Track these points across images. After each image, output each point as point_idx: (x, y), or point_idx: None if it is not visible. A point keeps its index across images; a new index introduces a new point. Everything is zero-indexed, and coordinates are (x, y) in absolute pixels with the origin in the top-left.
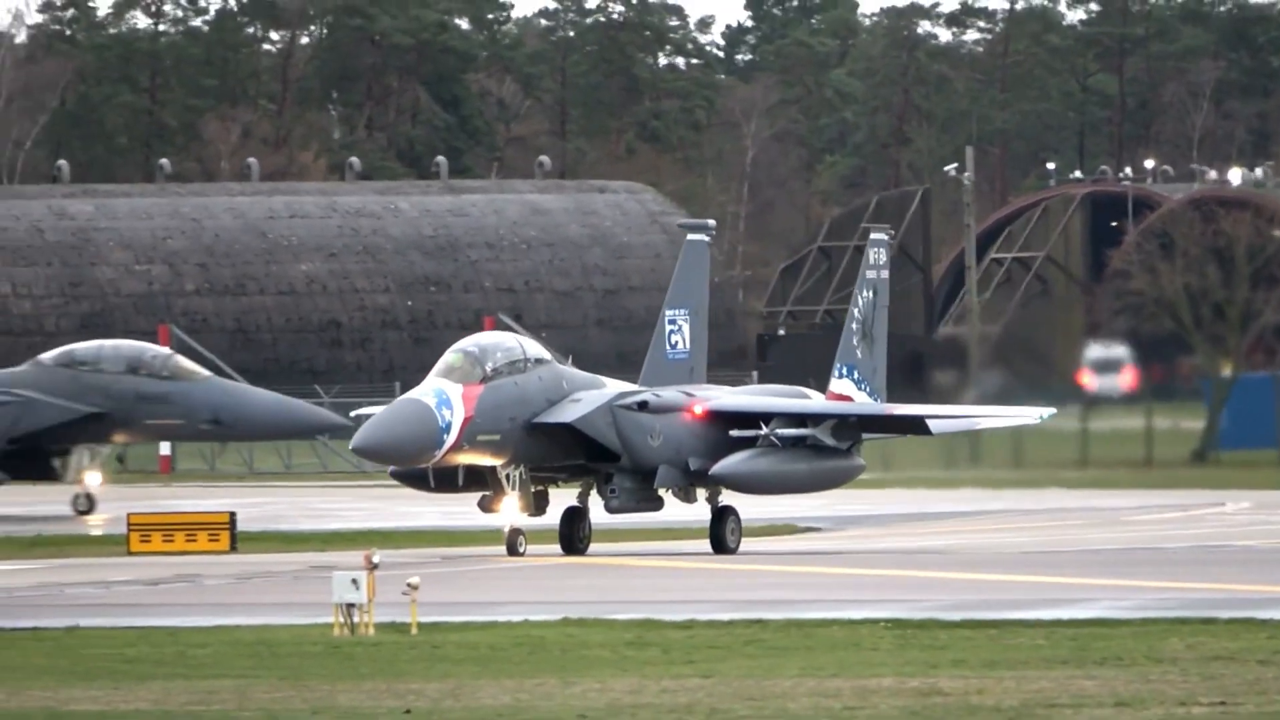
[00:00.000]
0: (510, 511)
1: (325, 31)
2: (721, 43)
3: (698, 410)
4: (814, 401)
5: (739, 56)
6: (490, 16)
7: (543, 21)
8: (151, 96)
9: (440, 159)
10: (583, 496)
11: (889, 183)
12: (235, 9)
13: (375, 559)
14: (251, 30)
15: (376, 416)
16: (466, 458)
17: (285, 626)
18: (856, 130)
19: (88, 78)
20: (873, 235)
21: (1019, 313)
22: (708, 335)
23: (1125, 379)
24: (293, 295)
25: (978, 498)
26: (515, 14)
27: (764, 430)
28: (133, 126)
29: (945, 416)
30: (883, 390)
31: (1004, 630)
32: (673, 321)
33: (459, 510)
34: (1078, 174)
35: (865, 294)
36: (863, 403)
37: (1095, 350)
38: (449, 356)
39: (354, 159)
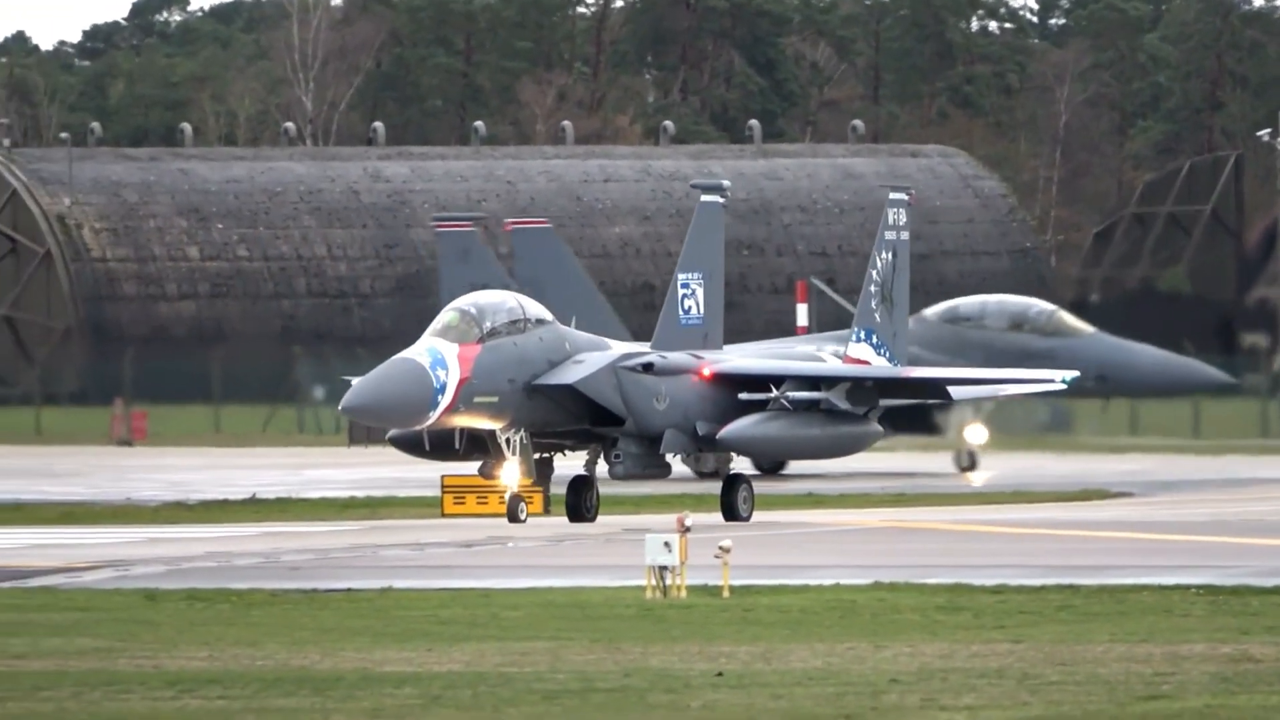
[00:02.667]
0: (512, 477)
1: None
2: (1035, 7)
3: (706, 373)
4: (828, 364)
5: (1052, 21)
6: None
7: None
8: (466, 59)
9: (754, 123)
10: (589, 465)
11: (1202, 148)
12: None
13: (688, 522)
14: None
15: (367, 376)
16: (464, 420)
17: (598, 589)
18: (1170, 95)
19: (403, 40)
20: (891, 195)
21: None
22: (722, 301)
23: None
24: (606, 258)
25: None
26: None
27: (774, 393)
28: (447, 89)
29: (966, 381)
30: (904, 355)
31: None
32: (685, 286)
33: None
34: None
35: (884, 255)
36: (878, 365)
37: None
38: (445, 315)
39: (668, 123)
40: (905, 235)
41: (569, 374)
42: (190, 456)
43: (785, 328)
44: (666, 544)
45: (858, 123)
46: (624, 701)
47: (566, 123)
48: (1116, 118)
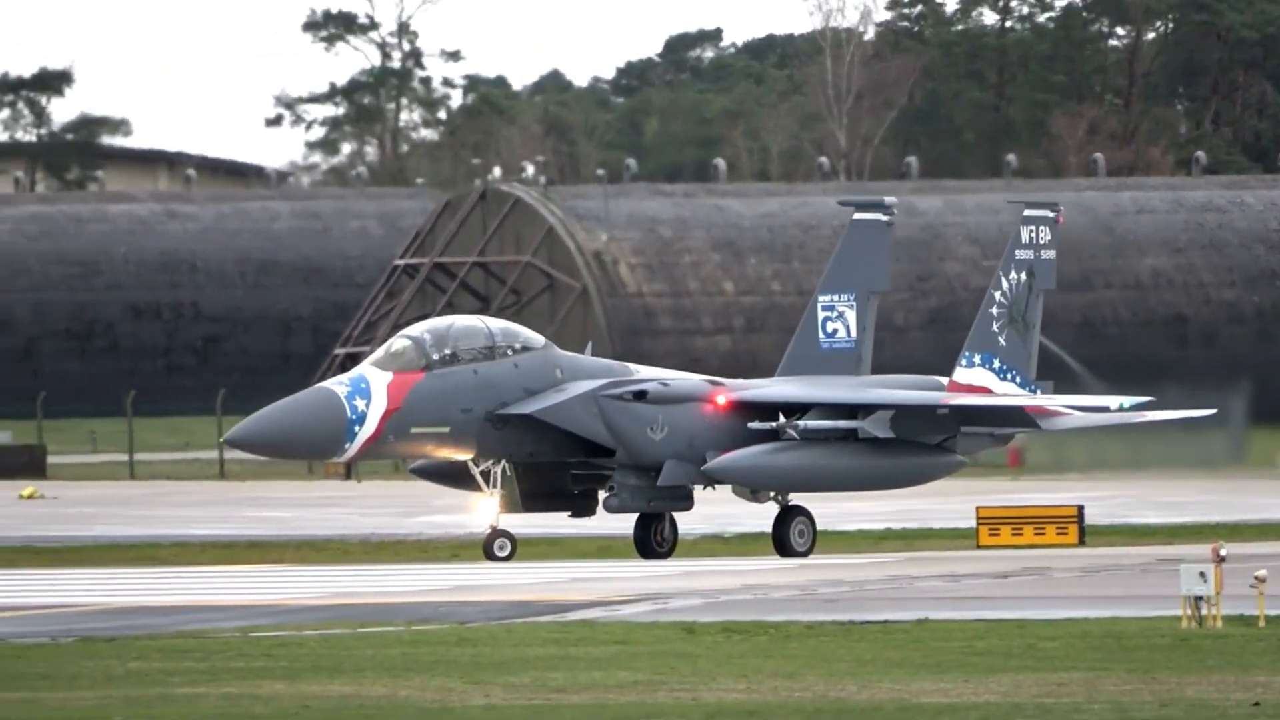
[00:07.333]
0: (487, 512)
1: (1171, 27)
2: None
3: (720, 400)
4: (865, 392)
5: None
6: None
7: None
8: (999, 93)
9: None
10: None
11: None
12: (1081, 4)
13: (1223, 551)
14: (1098, 26)
15: (268, 407)
16: (407, 450)
17: (1133, 619)
18: None
19: (935, 74)
20: (1027, 212)
21: None
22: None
23: None
24: (1138, 290)
25: None
26: None
27: (781, 422)
28: (980, 123)
29: (1064, 410)
30: (1033, 379)
31: None
32: (830, 308)
33: (1260, 503)
34: None
35: (1012, 276)
36: (928, 394)
37: None
38: (393, 343)
39: (1200, 153)
40: (1047, 255)
41: (531, 403)
42: (726, 490)
43: None
44: (1202, 574)
45: None
46: None
47: (1098, 155)
48: None
